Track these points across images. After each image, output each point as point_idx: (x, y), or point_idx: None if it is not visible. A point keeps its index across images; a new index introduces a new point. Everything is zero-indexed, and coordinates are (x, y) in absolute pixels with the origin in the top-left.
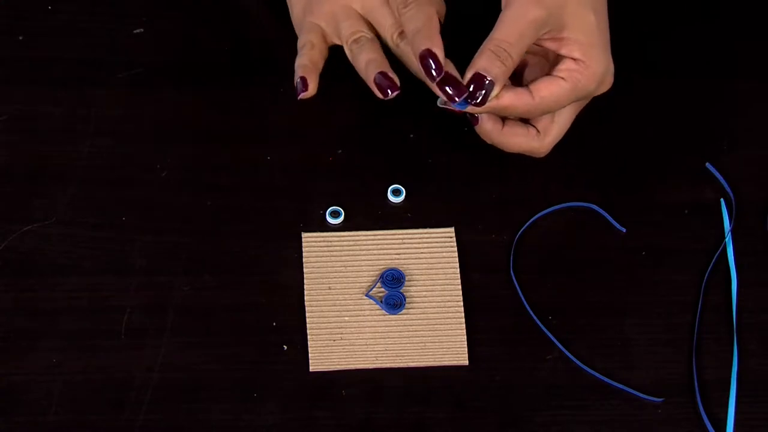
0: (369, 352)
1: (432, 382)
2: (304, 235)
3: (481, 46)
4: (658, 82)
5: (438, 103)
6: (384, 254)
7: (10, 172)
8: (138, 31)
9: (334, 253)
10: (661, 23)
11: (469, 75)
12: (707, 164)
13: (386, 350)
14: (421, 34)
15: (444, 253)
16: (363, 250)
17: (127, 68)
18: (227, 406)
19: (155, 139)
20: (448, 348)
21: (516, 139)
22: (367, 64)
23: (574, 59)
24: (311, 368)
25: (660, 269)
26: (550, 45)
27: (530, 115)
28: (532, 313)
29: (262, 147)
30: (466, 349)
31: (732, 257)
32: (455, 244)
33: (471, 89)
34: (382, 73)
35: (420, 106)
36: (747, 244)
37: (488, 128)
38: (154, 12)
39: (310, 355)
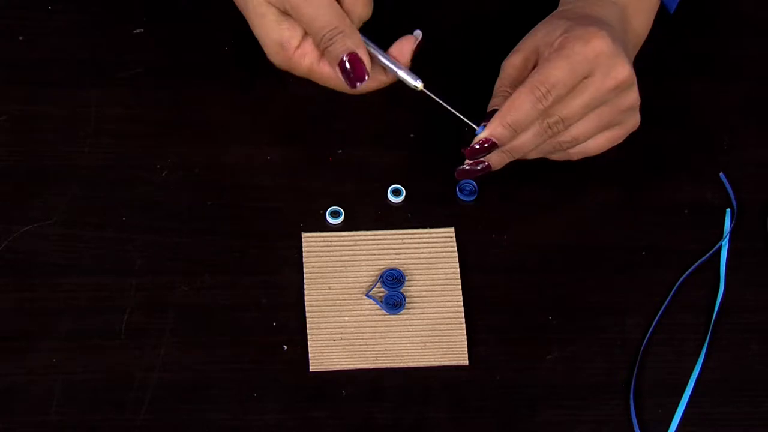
0: (369, 352)
1: (432, 382)
2: (304, 235)
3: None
4: (659, 82)
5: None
6: (384, 254)
7: (10, 172)
8: (138, 31)
9: (334, 253)
10: (659, 24)
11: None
12: (720, 174)
13: (386, 350)
14: None
15: (444, 253)
16: (363, 250)
17: (127, 68)
18: (227, 406)
19: (155, 139)
20: (448, 348)
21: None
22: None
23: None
24: (311, 368)
25: (660, 269)
26: None
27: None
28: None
29: (261, 147)
30: (466, 349)
31: (724, 263)
32: (455, 244)
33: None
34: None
35: (420, 106)
36: (747, 244)
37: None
38: (154, 12)
39: (310, 355)
